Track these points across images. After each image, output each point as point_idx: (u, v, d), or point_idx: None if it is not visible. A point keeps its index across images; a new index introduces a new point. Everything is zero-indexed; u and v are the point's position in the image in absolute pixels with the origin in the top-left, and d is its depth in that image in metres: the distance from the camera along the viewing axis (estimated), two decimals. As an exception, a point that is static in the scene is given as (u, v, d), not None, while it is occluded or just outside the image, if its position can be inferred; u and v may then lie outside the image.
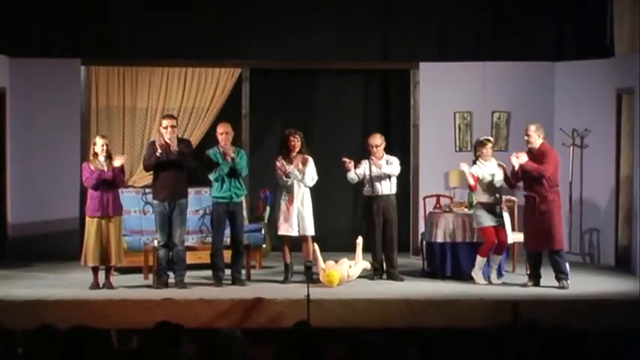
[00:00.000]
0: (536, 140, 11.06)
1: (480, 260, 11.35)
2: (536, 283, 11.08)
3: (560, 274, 10.97)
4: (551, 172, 10.95)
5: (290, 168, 11.31)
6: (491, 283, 11.25)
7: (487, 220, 11.30)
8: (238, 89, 14.14)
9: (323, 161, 13.43)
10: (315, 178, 11.45)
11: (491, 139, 11.84)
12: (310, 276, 10.18)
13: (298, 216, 11.33)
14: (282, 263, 11.54)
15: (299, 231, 11.37)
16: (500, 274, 11.45)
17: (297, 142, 11.37)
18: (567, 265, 11.06)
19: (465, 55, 13.87)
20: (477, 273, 11.32)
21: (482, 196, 11.38)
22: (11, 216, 13.38)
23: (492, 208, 11.35)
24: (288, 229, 11.37)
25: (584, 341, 6.29)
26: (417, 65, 13.96)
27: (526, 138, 11.10)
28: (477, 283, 11.25)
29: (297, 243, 11.58)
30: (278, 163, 11.36)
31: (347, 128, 14.61)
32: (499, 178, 11.36)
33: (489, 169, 11.36)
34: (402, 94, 14.33)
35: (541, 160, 10.93)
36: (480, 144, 11.49)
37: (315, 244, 11.39)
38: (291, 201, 11.34)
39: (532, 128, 11.10)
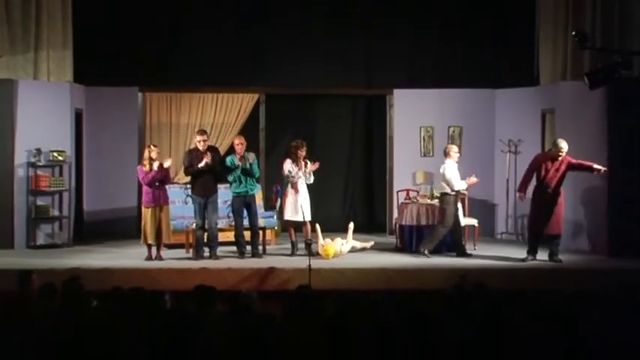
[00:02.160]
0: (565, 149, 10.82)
1: None
2: (535, 258, 10.90)
3: (557, 251, 10.87)
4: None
5: (303, 171, 11.33)
6: None
7: None
8: (257, 109, 14.13)
9: (322, 165, 13.52)
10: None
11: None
12: (310, 251, 10.21)
13: (302, 205, 11.39)
14: (289, 241, 11.56)
15: (304, 217, 11.44)
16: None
17: (305, 151, 11.43)
18: None
19: (428, 83, 13.86)
20: None
21: None
22: (86, 205, 13.42)
23: None
24: (294, 215, 11.41)
25: (514, 299, 6.37)
26: (392, 91, 13.95)
27: (564, 150, 10.73)
28: None
29: (299, 226, 11.56)
30: (289, 167, 11.38)
31: (340, 139, 14.59)
32: None
33: None
34: (380, 113, 14.30)
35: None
36: None
37: (318, 225, 11.36)
38: (297, 194, 11.40)
39: (564, 143, 10.77)
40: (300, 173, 11.33)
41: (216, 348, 4.44)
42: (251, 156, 11.21)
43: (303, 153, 11.38)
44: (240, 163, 11.06)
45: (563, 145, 10.76)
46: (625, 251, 10.87)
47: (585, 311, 5.80)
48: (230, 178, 11.12)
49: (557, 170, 10.76)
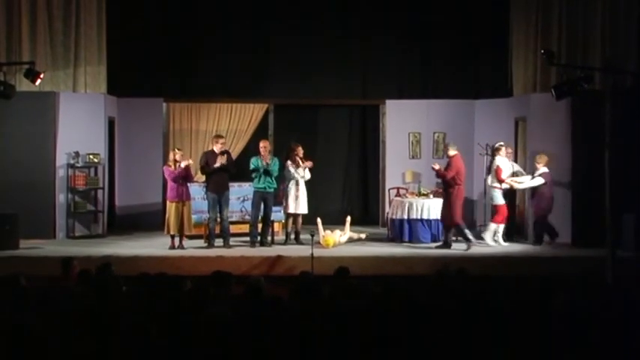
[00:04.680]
0: (449, 152, 10.99)
1: (493, 227, 11.22)
2: (444, 247, 10.90)
3: (449, 239, 10.92)
4: (451, 176, 10.78)
5: (301, 170, 11.37)
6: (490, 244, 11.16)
7: (501, 199, 11.24)
8: (266, 118, 14.15)
9: (322, 166, 13.55)
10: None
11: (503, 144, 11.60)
12: (309, 240, 10.17)
13: (299, 200, 11.38)
14: (293, 232, 11.52)
15: (297, 210, 11.40)
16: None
17: (300, 152, 11.44)
18: (467, 233, 10.87)
19: (416, 94, 13.87)
20: (487, 236, 11.19)
21: (497, 183, 11.20)
22: (118, 201, 13.46)
23: (504, 192, 11.32)
24: (292, 209, 11.39)
25: (493, 284, 6.39)
26: (384, 102, 13.94)
27: (448, 152, 11.05)
28: (487, 244, 11.10)
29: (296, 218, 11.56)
30: (288, 167, 11.39)
31: (338, 143, 14.58)
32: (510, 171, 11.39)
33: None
34: (374, 120, 14.30)
35: (447, 168, 10.88)
36: (497, 149, 11.43)
37: (319, 219, 11.33)
38: (297, 190, 11.40)
39: (447, 143, 11.06)
40: (299, 171, 11.33)
41: (232, 322, 4.46)
42: (267, 155, 11.22)
43: (298, 154, 11.37)
44: (263, 164, 11.08)
45: (448, 147, 10.96)
46: (586, 241, 10.90)
47: (552, 293, 5.83)
48: (254, 174, 11.13)
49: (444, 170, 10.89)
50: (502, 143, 11.57)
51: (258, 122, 14.11)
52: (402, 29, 13.86)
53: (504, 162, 11.39)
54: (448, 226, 10.98)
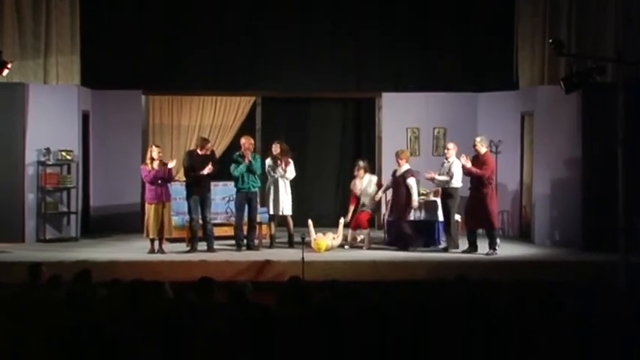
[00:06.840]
0: (481, 148, 10.93)
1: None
2: (474, 251, 10.91)
3: (492, 245, 10.86)
4: (488, 174, 10.80)
5: (280, 169, 11.37)
6: None
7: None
8: (253, 111, 14.15)
9: (314, 163, 13.50)
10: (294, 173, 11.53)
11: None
12: (301, 244, 10.16)
13: (283, 201, 11.39)
14: (287, 235, 11.58)
15: (282, 211, 11.43)
16: None
17: (279, 149, 11.46)
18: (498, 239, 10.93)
19: (414, 87, 13.86)
20: None
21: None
22: (92, 201, 13.39)
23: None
24: (275, 210, 11.41)
25: (494, 289, 6.40)
26: (380, 95, 13.94)
27: (474, 146, 10.99)
28: None
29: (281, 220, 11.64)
30: (269, 165, 11.42)
31: (331, 140, 14.59)
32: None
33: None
34: (369, 115, 14.31)
35: (482, 165, 10.83)
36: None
37: (310, 221, 11.36)
38: (277, 190, 11.40)
39: (477, 139, 10.99)
40: (279, 170, 11.34)
41: (216, 333, 4.44)
42: (249, 152, 11.21)
43: (277, 151, 11.40)
44: (245, 162, 11.08)
45: (475, 138, 10.99)
46: (597, 245, 10.92)
47: (562, 299, 5.84)
48: (236, 173, 11.12)
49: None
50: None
51: (245, 116, 14.11)
52: (400, 17, 13.84)
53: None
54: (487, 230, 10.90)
